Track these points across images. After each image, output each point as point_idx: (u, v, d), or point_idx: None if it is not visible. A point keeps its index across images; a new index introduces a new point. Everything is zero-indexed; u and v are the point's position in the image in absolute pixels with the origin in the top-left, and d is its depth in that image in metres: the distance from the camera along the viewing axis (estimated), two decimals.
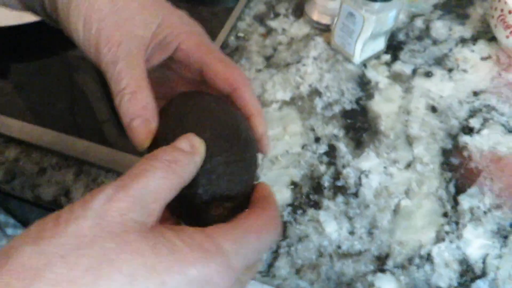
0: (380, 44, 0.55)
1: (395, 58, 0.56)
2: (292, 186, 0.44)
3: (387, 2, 0.49)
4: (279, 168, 0.45)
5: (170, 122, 0.25)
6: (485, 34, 0.59)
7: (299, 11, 0.62)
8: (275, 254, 0.39)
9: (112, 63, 0.24)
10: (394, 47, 0.57)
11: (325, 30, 0.59)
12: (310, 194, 0.43)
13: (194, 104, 0.26)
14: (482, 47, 0.58)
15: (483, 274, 0.38)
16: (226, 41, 0.57)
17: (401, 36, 0.59)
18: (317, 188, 0.44)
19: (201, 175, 0.23)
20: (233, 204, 0.24)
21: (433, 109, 0.50)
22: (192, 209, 0.24)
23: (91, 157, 0.44)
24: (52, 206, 0.43)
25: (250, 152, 0.25)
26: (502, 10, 0.52)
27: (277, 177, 0.44)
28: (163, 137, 0.24)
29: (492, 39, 0.58)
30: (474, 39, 0.59)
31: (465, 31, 0.60)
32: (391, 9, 0.50)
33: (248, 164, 0.25)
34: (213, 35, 0.57)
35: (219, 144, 0.24)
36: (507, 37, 0.53)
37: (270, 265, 0.39)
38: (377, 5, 0.49)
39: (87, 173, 0.44)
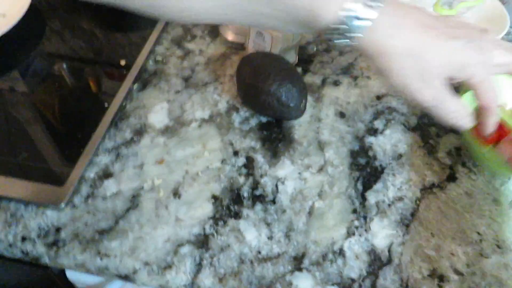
0: (291, 57, 0.59)
1: (306, 70, 0.60)
2: (213, 200, 0.46)
3: None
4: (200, 184, 0.47)
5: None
6: None
7: (214, 32, 0.65)
8: (198, 267, 0.41)
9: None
10: (305, 60, 0.62)
11: (240, 48, 0.62)
12: (230, 206, 0.45)
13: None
14: None
15: (389, 261, 0.42)
16: (144, 66, 0.59)
17: (311, 49, 0.63)
18: (237, 199, 0.46)
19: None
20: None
21: (342, 115, 0.55)
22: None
23: (8, 192, 0.44)
24: None
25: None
26: None
27: (198, 193, 0.46)
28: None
29: None
30: None
31: None
32: None
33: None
34: (130, 60, 0.58)
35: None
36: None
37: (194, 278, 0.40)
38: None
39: (5, 209, 0.44)
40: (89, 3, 0.69)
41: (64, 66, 0.59)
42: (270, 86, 0.48)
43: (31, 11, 0.62)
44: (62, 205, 0.44)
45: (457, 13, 0.58)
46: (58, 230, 0.43)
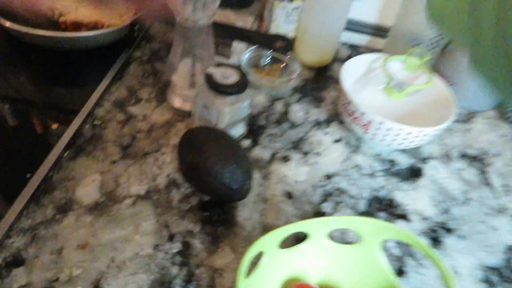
0: (239, 129, 0.57)
1: (255, 143, 0.58)
2: None
3: (239, 94, 0.51)
4: (126, 275, 0.42)
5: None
6: (338, 116, 0.64)
7: (162, 96, 0.61)
8: None
9: None
10: (254, 132, 0.59)
11: (186, 116, 0.59)
12: None
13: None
14: (335, 129, 0.62)
15: None
16: (80, 130, 0.54)
17: (262, 120, 0.61)
18: None
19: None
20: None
21: (289, 195, 0.52)
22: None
23: None
24: None
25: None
26: (344, 99, 0.57)
27: (122, 286, 0.41)
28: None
29: (343, 121, 0.63)
30: (328, 121, 0.63)
31: (320, 114, 0.64)
32: (243, 99, 0.52)
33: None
34: (65, 123, 0.53)
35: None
36: (352, 122, 0.57)
37: None
38: (229, 98, 0.51)
39: None
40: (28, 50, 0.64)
41: None
42: (212, 167, 0.45)
43: None
44: None
45: (407, 96, 0.58)
46: None
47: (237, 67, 0.52)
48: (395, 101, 0.61)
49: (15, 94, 0.58)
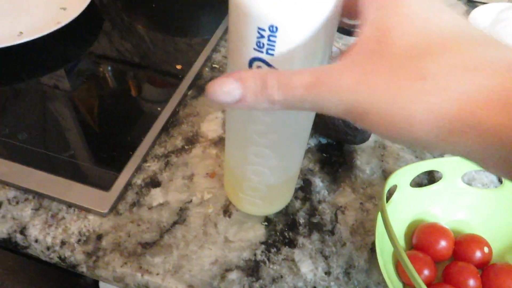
0: None
1: None
2: (266, 223, 0.42)
3: None
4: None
5: None
6: None
7: None
8: None
9: None
10: None
11: None
12: (284, 231, 0.41)
13: None
14: None
15: None
16: (200, 71, 0.56)
17: None
18: (292, 225, 0.42)
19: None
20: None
21: None
22: None
23: (52, 190, 0.41)
24: (6, 244, 0.39)
25: None
26: None
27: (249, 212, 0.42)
28: None
29: None
30: None
31: None
32: None
33: None
34: (187, 65, 0.56)
35: None
36: None
37: None
38: (352, 38, 0.49)
39: (46, 208, 0.41)
40: (149, 7, 0.67)
41: (119, 68, 0.58)
42: None
43: (91, 8, 0.61)
44: (106, 211, 0.41)
45: None
46: (99, 237, 0.40)
47: None
48: None
49: (139, 38, 0.61)
